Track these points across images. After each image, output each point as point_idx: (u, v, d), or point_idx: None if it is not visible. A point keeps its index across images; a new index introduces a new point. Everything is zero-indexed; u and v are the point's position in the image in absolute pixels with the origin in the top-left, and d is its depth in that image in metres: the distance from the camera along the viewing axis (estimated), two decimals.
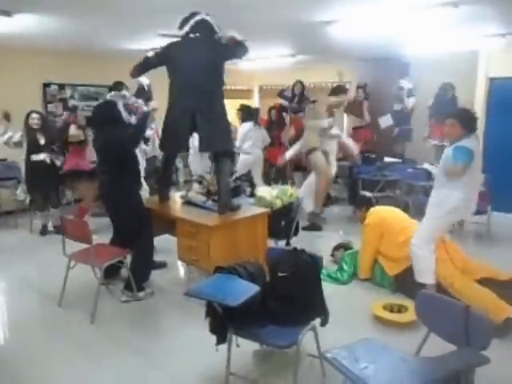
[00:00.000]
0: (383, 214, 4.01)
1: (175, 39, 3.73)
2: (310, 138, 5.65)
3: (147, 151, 5.62)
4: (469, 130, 3.30)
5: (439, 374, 1.87)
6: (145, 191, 5.06)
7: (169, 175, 4.23)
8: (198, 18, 3.52)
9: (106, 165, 3.67)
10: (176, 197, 4.29)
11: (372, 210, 4.11)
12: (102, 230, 5.31)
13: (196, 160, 6.24)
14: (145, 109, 4.68)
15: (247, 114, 6.60)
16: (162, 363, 2.83)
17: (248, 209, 3.87)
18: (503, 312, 3.03)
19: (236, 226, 3.58)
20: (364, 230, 4.01)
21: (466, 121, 3.32)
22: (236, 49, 3.64)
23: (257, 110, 7.53)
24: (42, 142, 5.14)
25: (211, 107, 3.57)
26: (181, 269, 4.46)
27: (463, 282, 3.34)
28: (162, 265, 4.34)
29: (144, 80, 6.01)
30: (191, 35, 3.53)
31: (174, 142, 3.74)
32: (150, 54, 3.82)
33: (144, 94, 6.05)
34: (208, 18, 3.55)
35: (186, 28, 3.52)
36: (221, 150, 3.72)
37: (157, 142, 5.79)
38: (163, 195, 4.11)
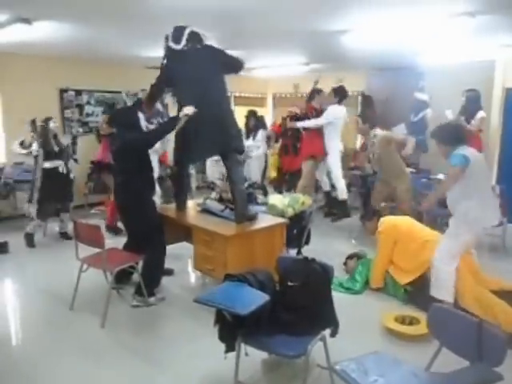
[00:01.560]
0: (396, 222, 3.99)
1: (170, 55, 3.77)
2: None
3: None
4: (453, 144, 3.25)
5: None
6: (157, 196, 5.11)
7: (184, 182, 4.23)
8: (187, 30, 3.61)
9: (120, 167, 3.72)
10: (193, 204, 4.29)
11: (384, 218, 4.09)
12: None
13: (212, 165, 6.29)
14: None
15: (255, 120, 6.70)
16: (171, 370, 2.82)
17: (265, 218, 3.84)
18: None
19: (253, 236, 3.54)
20: (378, 238, 3.98)
21: (445, 137, 3.31)
22: (234, 58, 3.73)
23: (262, 117, 7.57)
24: (57, 149, 5.19)
25: (228, 113, 3.68)
26: (192, 275, 4.46)
27: (476, 288, 3.30)
28: (169, 272, 4.28)
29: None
30: (185, 48, 3.61)
31: (192, 153, 3.78)
32: (153, 83, 4.00)
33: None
34: (195, 29, 3.65)
35: (183, 42, 3.59)
36: (233, 148, 3.75)
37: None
38: (180, 203, 4.11)
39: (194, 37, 3.63)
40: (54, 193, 5.17)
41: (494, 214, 3.32)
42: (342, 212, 5.83)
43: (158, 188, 5.46)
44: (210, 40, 3.74)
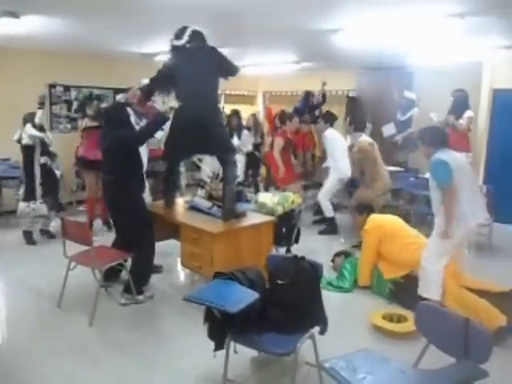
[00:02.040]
0: (381, 220, 4.03)
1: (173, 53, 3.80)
2: None
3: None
4: (436, 145, 3.31)
5: None
6: (146, 193, 5.07)
7: (174, 179, 4.22)
8: (190, 29, 3.64)
9: (110, 165, 3.68)
10: (181, 202, 4.28)
11: (371, 216, 4.14)
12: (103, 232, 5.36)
13: (210, 161, 6.17)
14: (160, 108, 4.66)
15: (238, 119, 6.70)
16: (160, 367, 2.82)
17: (253, 216, 3.84)
18: (496, 320, 3.04)
19: (240, 234, 3.55)
20: (363, 236, 4.04)
21: (429, 139, 3.37)
22: (230, 63, 3.77)
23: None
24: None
25: (215, 113, 3.73)
26: (181, 273, 4.45)
27: (456, 290, 3.35)
28: (158, 269, 4.25)
29: (145, 81, 6.03)
30: (187, 45, 3.63)
31: (178, 151, 3.87)
32: (145, 81, 4.12)
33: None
34: (198, 28, 3.68)
35: (185, 38, 3.62)
36: (229, 151, 3.82)
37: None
38: (169, 200, 4.11)
39: (197, 35, 3.66)
40: (47, 189, 5.13)
41: (481, 213, 3.36)
42: (330, 228, 5.84)
43: (147, 184, 5.43)
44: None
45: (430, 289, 3.37)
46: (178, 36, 3.65)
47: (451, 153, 3.31)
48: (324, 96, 7.38)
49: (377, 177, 5.32)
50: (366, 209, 4.63)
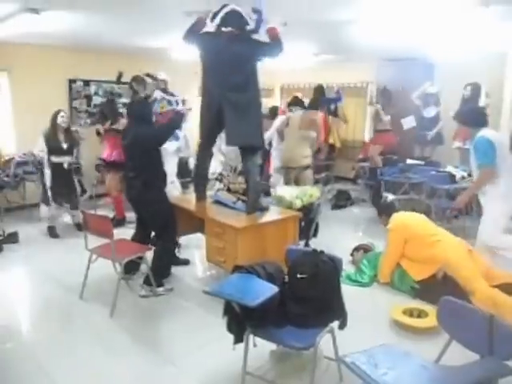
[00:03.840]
0: (406, 219, 3.92)
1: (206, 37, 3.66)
2: None
3: (181, 148, 5.67)
4: (475, 126, 3.44)
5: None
6: (175, 189, 5.14)
7: (204, 174, 4.10)
8: (226, 9, 3.49)
9: (133, 163, 3.72)
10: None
11: (395, 215, 4.01)
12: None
13: (232, 151, 6.14)
14: (180, 108, 4.72)
15: None
16: (178, 360, 2.84)
17: (277, 211, 3.81)
18: None
19: (264, 229, 3.51)
20: (388, 235, 3.93)
21: (468, 117, 3.51)
22: (271, 46, 3.56)
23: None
24: (65, 145, 5.17)
25: (240, 101, 3.51)
26: (205, 266, 4.46)
27: (487, 290, 3.27)
28: (186, 262, 4.37)
29: (162, 74, 6.08)
30: (223, 28, 3.51)
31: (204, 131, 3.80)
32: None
33: (159, 84, 6.13)
34: (238, 8, 3.51)
35: (217, 20, 3.50)
36: (248, 145, 3.67)
37: (190, 142, 5.86)
38: (200, 194, 4.04)
39: (234, 17, 3.49)
40: (61, 189, 5.20)
41: None
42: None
43: (176, 181, 5.48)
44: (275, 20, 3.60)
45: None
46: (213, 17, 3.52)
47: (492, 132, 3.36)
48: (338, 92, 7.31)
49: None
50: (387, 208, 4.50)
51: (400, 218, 3.95)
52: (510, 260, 3.58)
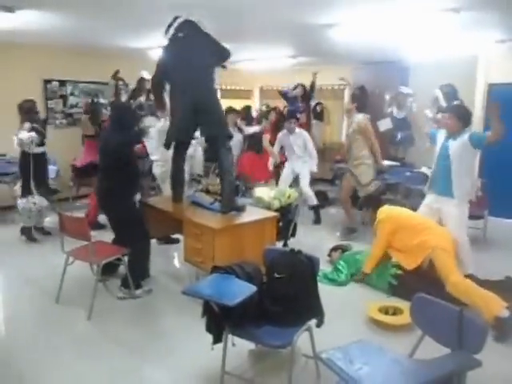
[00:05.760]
0: (394, 211, 4.01)
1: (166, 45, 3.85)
2: None
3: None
4: (464, 124, 3.68)
5: (432, 377, 1.89)
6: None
7: (181, 175, 4.16)
8: (180, 19, 3.69)
9: (103, 164, 3.72)
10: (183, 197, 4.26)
11: (382, 208, 4.08)
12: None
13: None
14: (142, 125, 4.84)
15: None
16: (158, 361, 2.84)
17: (255, 212, 3.84)
18: (495, 308, 3.08)
19: (242, 229, 3.53)
20: (377, 226, 3.97)
21: (462, 114, 3.71)
22: (221, 47, 3.80)
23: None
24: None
25: (209, 100, 3.73)
26: (181, 266, 4.46)
27: (458, 277, 3.39)
28: (175, 241, 4.60)
29: (144, 73, 6.06)
30: (179, 34, 3.67)
31: (180, 131, 3.86)
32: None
33: (144, 84, 6.11)
34: (191, 18, 3.69)
35: (171, 31, 3.70)
36: (220, 133, 3.80)
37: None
38: (177, 195, 4.09)
39: (188, 24, 3.69)
40: (43, 177, 5.14)
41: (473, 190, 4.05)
42: (316, 218, 5.97)
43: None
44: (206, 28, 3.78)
45: (470, 264, 3.71)
46: (167, 29, 3.71)
47: None
48: (304, 87, 7.43)
49: (362, 160, 5.16)
50: (370, 203, 4.53)
51: (386, 210, 4.06)
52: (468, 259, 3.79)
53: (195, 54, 3.64)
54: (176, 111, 3.79)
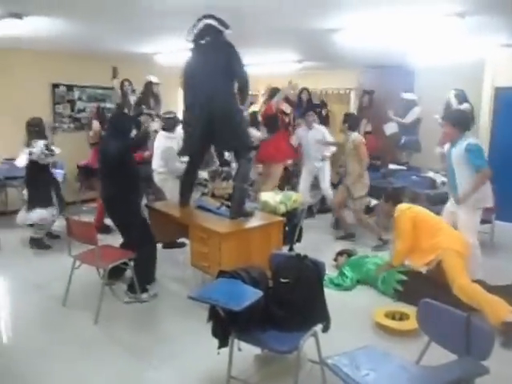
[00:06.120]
0: (412, 207, 3.88)
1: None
2: None
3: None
4: (460, 128, 3.60)
5: (439, 383, 1.88)
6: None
7: (192, 180, 4.13)
8: (200, 24, 3.58)
9: (103, 171, 3.76)
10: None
11: (401, 205, 3.93)
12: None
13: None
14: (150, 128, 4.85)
15: None
16: (163, 365, 2.85)
17: (261, 216, 3.84)
18: (502, 313, 3.05)
19: (248, 234, 3.53)
20: (397, 221, 3.82)
21: (457, 119, 3.65)
22: (243, 70, 3.67)
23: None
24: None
25: (226, 113, 3.58)
26: (189, 271, 4.45)
27: (466, 280, 3.35)
28: (181, 245, 4.54)
29: (152, 77, 6.09)
30: (201, 41, 3.61)
31: (192, 143, 3.81)
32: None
33: (151, 88, 6.13)
34: (210, 21, 3.58)
35: (191, 37, 3.63)
36: (239, 146, 3.74)
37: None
38: (184, 200, 4.07)
39: (208, 29, 3.57)
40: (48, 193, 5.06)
41: (490, 196, 3.80)
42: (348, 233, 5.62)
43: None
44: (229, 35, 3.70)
45: (478, 270, 3.65)
46: (190, 32, 3.62)
47: (473, 137, 3.60)
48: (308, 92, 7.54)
49: (358, 179, 5.25)
50: (392, 196, 4.36)
51: (406, 206, 3.91)
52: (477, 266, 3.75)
53: (214, 63, 3.55)
54: (191, 122, 3.73)
